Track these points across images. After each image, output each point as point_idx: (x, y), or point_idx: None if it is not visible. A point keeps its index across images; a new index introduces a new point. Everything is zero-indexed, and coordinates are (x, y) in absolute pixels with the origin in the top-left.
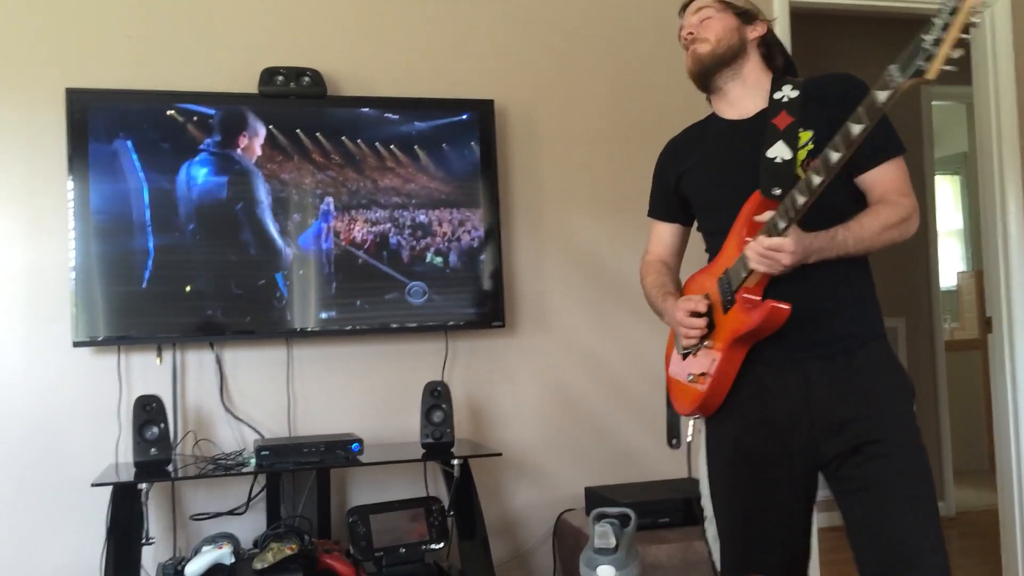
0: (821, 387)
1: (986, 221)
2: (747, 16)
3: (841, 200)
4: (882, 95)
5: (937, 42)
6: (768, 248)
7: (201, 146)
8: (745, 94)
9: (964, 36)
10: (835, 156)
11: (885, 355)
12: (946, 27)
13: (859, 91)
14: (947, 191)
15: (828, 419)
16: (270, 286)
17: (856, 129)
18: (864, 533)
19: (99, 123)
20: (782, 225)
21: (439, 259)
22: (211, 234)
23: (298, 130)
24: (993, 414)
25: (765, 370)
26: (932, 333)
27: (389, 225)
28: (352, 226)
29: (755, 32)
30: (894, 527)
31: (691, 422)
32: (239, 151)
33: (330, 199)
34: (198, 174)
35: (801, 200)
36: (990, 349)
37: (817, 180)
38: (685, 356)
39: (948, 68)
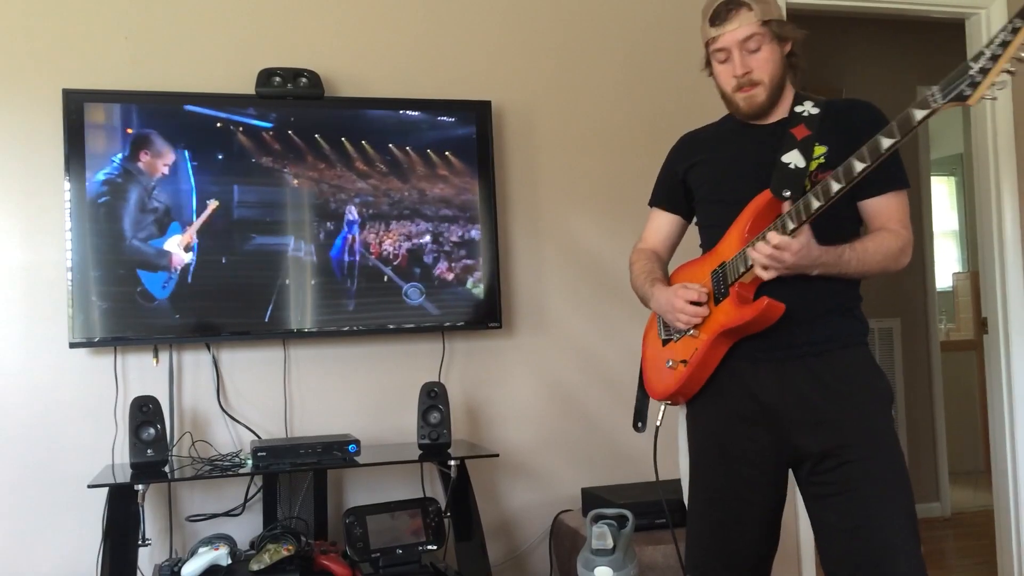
0: (798, 384)
1: (982, 222)
2: (784, 36)
3: (844, 219)
4: (919, 113)
5: (983, 71)
6: (775, 246)
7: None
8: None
9: (1010, 71)
10: (859, 166)
11: (864, 360)
12: (994, 58)
13: (877, 120)
14: (943, 192)
15: (804, 415)
16: (268, 288)
17: (886, 143)
18: (838, 537)
19: (98, 124)
20: (791, 226)
21: (436, 259)
22: (212, 238)
23: (296, 131)
24: (988, 415)
25: (743, 366)
26: (927, 334)
27: (387, 224)
28: (350, 228)
29: (788, 48)
30: (869, 532)
31: (662, 407)
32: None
33: (326, 200)
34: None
35: (815, 204)
36: (985, 350)
37: (836, 187)
38: (666, 342)
39: (990, 97)
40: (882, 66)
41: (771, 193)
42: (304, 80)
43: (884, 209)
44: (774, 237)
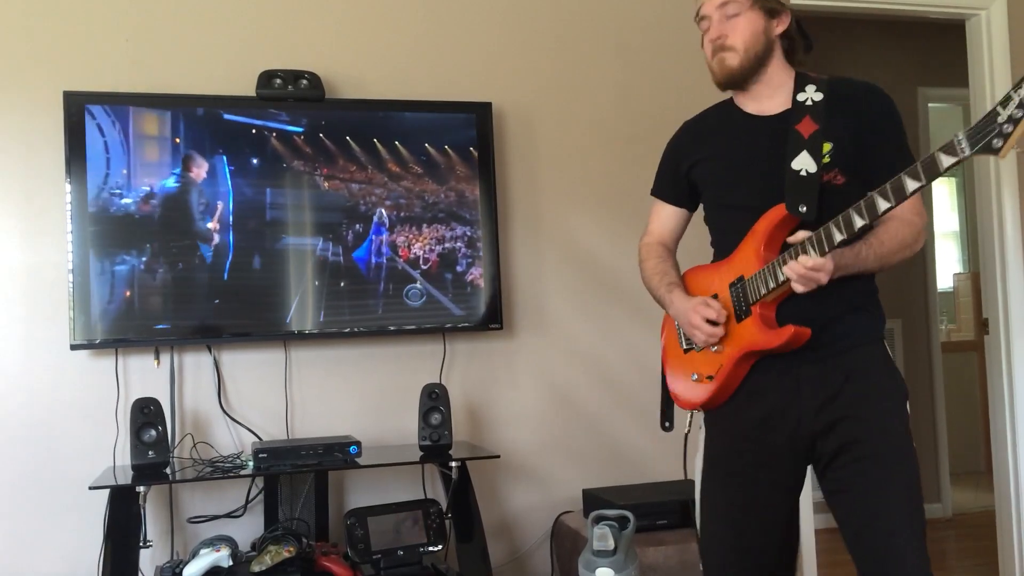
0: (813, 384)
1: (982, 223)
2: (772, 9)
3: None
4: (946, 160)
5: (1013, 120)
6: (810, 268)
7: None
8: (768, 94)
9: None
10: (883, 205)
11: (879, 357)
12: (1022, 106)
13: (883, 105)
14: (944, 193)
15: (818, 415)
16: (270, 289)
17: (912, 185)
18: (848, 534)
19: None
20: (814, 255)
21: (437, 260)
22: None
23: (295, 134)
24: (990, 415)
25: (759, 368)
26: (928, 334)
27: (388, 225)
28: (349, 230)
29: (780, 27)
30: (874, 532)
31: (690, 415)
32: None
33: (327, 202)
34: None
35: (838, 237)
36: (986, 350)
37: (860, 223)
38: (687, 351)
39: (1019, 150)
40: (882, 67)
41: (786, 210)
42: (305, 82)
43: None
44: (808, 261)
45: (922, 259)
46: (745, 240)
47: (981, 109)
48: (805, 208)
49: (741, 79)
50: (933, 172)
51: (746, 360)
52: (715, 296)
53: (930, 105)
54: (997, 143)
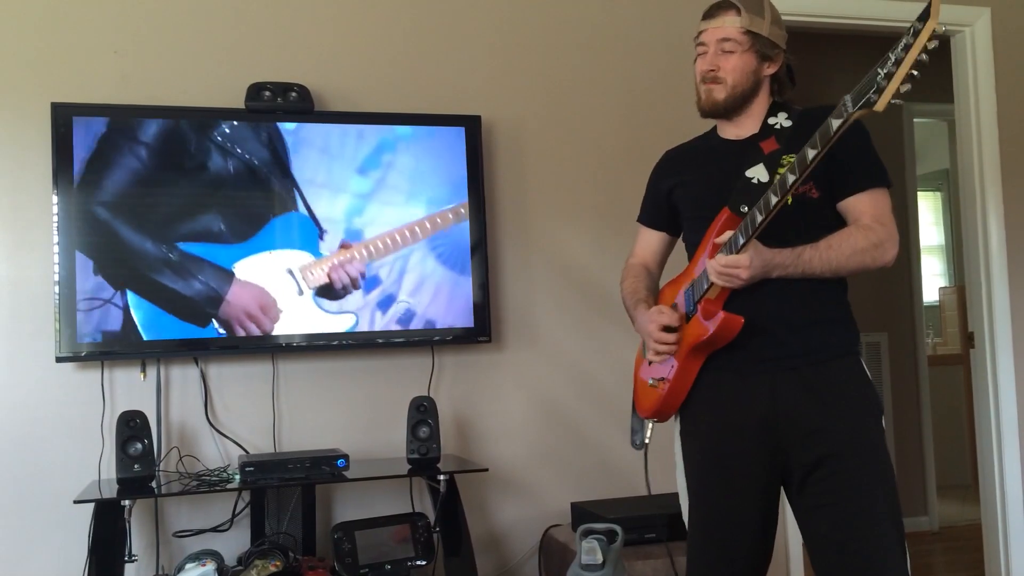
0: (787, 397)
1: (968, 237)
2: (766, 55)
3: (824, 226)
4: (835, 123)
5: (888, 76)
6: (725, 265)
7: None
8: (748, 123)
9: (914, 72)
10: (790, 178)
11: (854, 371)
12: (897, 63)
13: (851, 127)
14: (929, 207)
15: (796, 425)
16: (257, 301)
17: (810, 153)
18: (829, 548)
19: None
20: (741, 241)
21: (425, 273)
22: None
23: (282, 145)
24: (976, 428)
25: (733, 378)
26: (915, 348)
27: (377, 235)
28: (337, 240)
29: (770, 69)
30: (857, 544)
31: (650, 425)
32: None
33: (315, 213)
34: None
35: (759, 217)
36: (972, 364)
37: (774, 199)
38: (651, 362)
39: (896, 102)
40: None
41: (729, 210)
42: (294, 94)
43: (859, 207)
44: (722, 258)
45: (908, 272)
46: (700, 246)
47: (966, 124)
48: (746, 208)
49: (723, 111)
50: (826, 138)
51: (693, 358)
52: (674, 306)
53: (915, 120)
54: (874, 98)
